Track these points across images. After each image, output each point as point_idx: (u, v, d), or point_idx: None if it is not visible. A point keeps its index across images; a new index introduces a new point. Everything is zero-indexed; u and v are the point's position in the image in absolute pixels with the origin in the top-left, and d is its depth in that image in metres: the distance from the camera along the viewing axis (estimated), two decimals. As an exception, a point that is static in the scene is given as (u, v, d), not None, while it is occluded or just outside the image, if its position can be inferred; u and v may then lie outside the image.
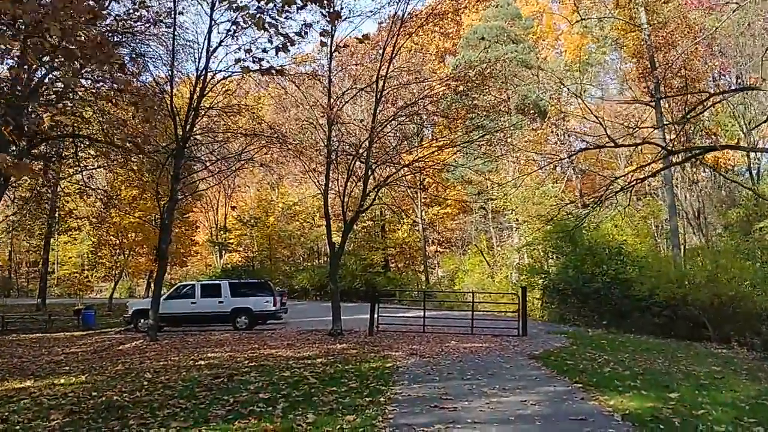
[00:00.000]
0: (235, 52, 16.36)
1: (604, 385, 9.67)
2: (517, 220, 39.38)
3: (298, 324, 23.99)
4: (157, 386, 9.99)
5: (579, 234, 26.37)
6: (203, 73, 18.52)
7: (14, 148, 20.95)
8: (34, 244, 59.12)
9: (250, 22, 10.04)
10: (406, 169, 20.50)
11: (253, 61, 10.14)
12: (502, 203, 38.15)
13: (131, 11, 17.08)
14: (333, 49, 17.77)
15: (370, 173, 18.55)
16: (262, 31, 8.73)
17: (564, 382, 10.26)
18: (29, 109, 18.56)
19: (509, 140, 24.77)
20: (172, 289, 25.21)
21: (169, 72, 18.89)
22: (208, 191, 64.23)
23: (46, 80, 23.85)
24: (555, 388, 9.60)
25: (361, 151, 18.60)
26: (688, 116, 15.57)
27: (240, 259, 60.77)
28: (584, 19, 23.63)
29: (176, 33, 18.93)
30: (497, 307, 27.69)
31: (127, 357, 15.05)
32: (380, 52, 19.49)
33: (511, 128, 27.94)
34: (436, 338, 18.08)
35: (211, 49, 18.51)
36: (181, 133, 18.36)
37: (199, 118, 19.52)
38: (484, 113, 19.58)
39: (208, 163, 22.46)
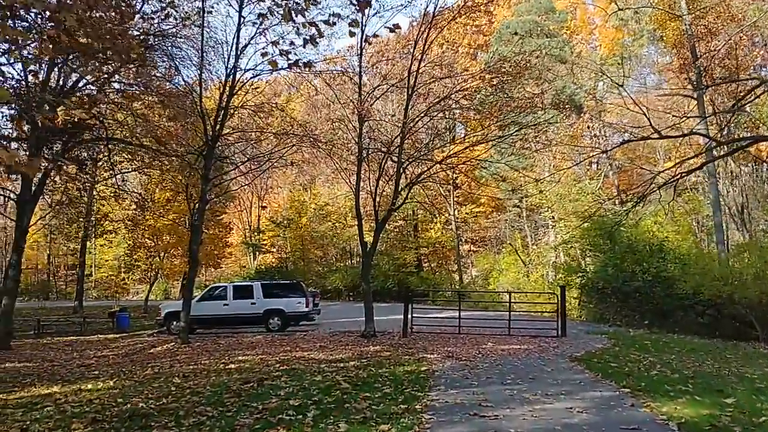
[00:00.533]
0: (263, 50, 16.14)
1: (654, 390, 9.09)
2: (553, 217, 38.64)
3: (331, 325, 23.66)
4: (185, 392, 9.69)
5: (618, 231, 25.57)
6: (232, 71, 18.29)
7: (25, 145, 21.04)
8: (71, 248, 60.11)
9: (277, 13, 9.64)
10: (438, 166, 20.01)
11: (281, 54, 9.75)
12: (538, 200, 37.38)
13: (159, 11, 16.88)
14: (363, 40, 17.35)
15: (402, 171, 18.10)
16: (290, 24, 8.36)
17: (610, 386, 9.68)
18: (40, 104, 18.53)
19: (545, 136, 24.12)
20: (204, 291, 25.11)
21: (199, 72, 18.68)
22: (241, 193, 64.71)
23: (80, 84, 24.13)
24: (601, 394, 9.04)
25: (392, 148, 18.17)
26: (740, 104, 14.79)
27: (273, 260, 60.82)
28: (621, 9, 22.81)
29: (205, 33, 18.70)
30: (534, 307, 27.16)
31: (157, 360, 14.84)
32: (411, 50, 19.03)
33: (547, 124, 27.29)
34: (472, 340, 17.57)
35: (240, 47, 18.29)
36: (210, 133, 18.13)
37: (229, 117, 19.30)
38: (519, 108, 18.96)
39: (239, 163, 22.24)
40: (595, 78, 37.98)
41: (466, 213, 49.31)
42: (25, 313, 38.91)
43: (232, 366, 12.94)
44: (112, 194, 39.98)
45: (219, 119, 18.19)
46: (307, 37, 8.62)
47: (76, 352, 17.92)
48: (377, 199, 18.69)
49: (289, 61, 9.55)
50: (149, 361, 14.94)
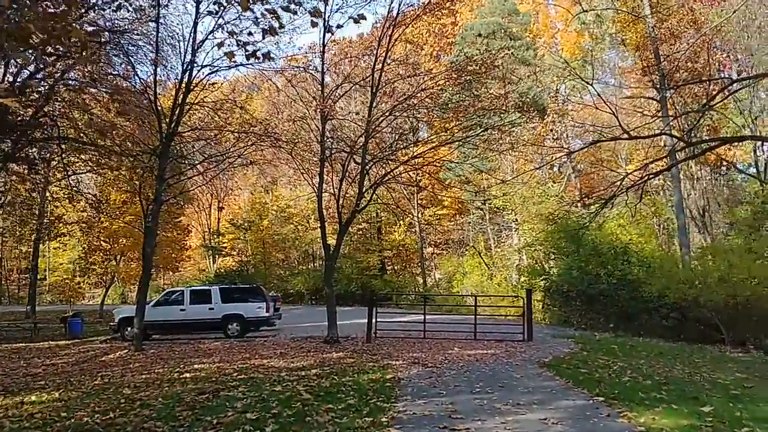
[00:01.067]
0: (220, 41, 15.38)
1: (629, 398, 8.74)
2: (517, 220, 38.54)
3: (292, 330, 23.03)
4: (135, 404, 9.02)
5: (583, 234, 25.49)
6: (189, 66, 17.56)
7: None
8: (23, 251, 58.17)
9: (235, 1, 9.09)
10: (402, 167, 19.59)
11: (238, 46, 9.19)
12: (502, 203, 37.25)
13: (110, 2, 16.12)
14: (326, 31, 16.83)
15: (365, 172, 17.58)
16: (249, 17, 7.85)
17: (583, 394, 9.32)
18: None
19: (508, 138, 23.91)
20: (160, 296, 24.22)
21: (153, 67, 17.89)
22: (200, 195, 63.52)
23: (33, 81, 23.15)
24: (575, 402, 8.66)
25: (355, 148, 17.64)
26: (709, 104, 14.69)
27: (234, 263, 59.74)
28: (586, 11, 22.69)
29: (161, 28, 17.95)
30: (498, 311, 26.84)
31: (108, 369, 14.05)
32: (374, 49, 18.52)
33: (510, 125, 27.15)
34: (437, 345, 17.14)
35: (198, 41, 17.62)
36: (166, 130, 17.38)
37: (186, 114, 18.56)
38: (483, 110, 18.63)
39: (195, 163, 21.45)
40: (558, 81, 38.02)
41: (430, 215, 49.05)
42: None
43: (188, 375, 12.26)
44: (66, 196, 38.88)
45: (174, 117, 17.44)
46: (266, 27, 8.11)
47: (23, 360, 16.97)
48: (340, 200, 18.13)
49: (247, 53, 9.02)
50: (99, 369, 14.14)
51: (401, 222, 48.10)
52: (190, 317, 21.68)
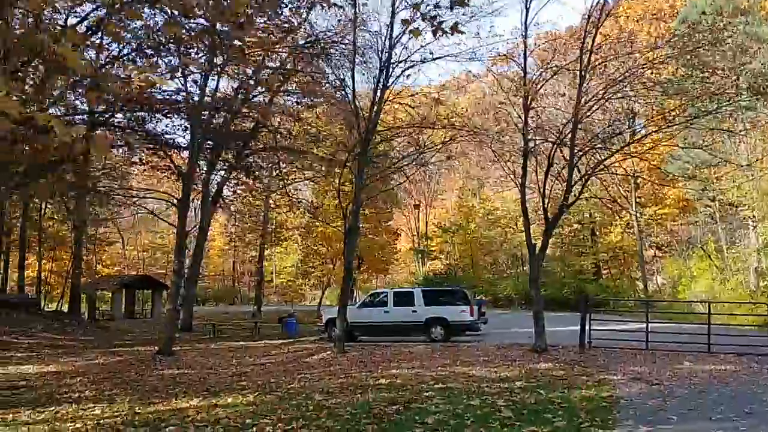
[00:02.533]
0: (405, 23, 14.75)
1: None
2: (755, 216, 33.82)
3: (499, 336, 21.84)
4: (321, 413, 8.50)
5: None
6: (386, 65, 17.18)
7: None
8: (252, 255, 63.13)
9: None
10: (617, 156, 17.48)
11: (423, 20, 8.31)
12: (736, 197, 32.83)
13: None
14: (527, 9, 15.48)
15: (575, 163, 15.89)
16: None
17: None
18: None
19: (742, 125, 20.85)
20: (365, 297, 24.33)
21: (351, 66, 17.81)
22: (409, 199, 64.61)
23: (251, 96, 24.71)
24: None
25: (562, 137, 16.02)
26: None
27: (442, 266, 59.79)
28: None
29: (357, 27, 17.81)
30: (733, 319, 23.24)
31: (308, 371, 13.94)
32: (581, 44, 16.73)
33: (744, 110, 23.72)
34: (663, 358, 14.99)
35: (394, 38, 17.20)
36: (363, 129, 17.17)
37: (386, 113, 18.26)
38: (713, 92, 15.99)
39: (395, 161, 21.11)
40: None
41: (650, 216, 44.80)
42: (209, 317, 40.97)
43: (383, 381, 11.65)
44: (286, 203, 41.43)
45: (372, 115, 17.16)
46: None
47: (236, 359, 17.64)
48: (546, 196, 16.51)
49: (433, 28, 8.13)
50: (301, 371, 14.09)
51: (618, 222, 44.63)
52: (393, 319, 21.41)
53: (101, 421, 8.53)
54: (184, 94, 19.60)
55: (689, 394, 9.72)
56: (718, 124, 21.19)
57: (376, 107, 17.06)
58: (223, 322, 35.20)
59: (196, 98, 19.40)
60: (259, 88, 29.48)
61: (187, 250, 22.45)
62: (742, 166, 26.38)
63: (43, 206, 34.38)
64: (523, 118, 16.29)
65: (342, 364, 14.93)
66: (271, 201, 42.07)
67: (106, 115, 18.94)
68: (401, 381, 11.60)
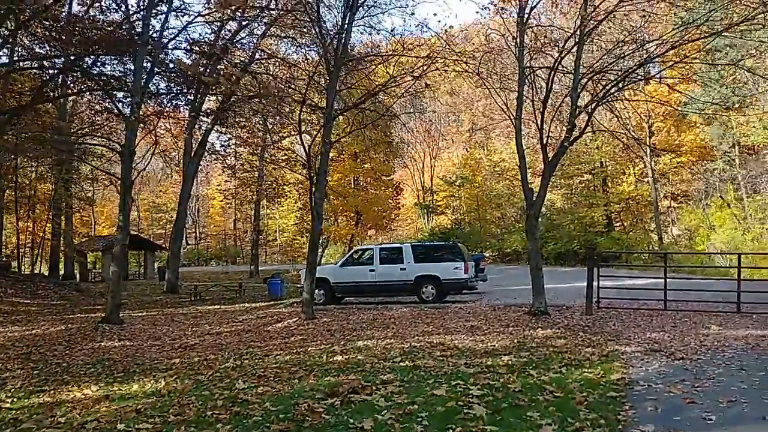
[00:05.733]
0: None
1: None
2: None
3: (499, 294, 19.66)
4: (231, 411, 6.28)
5: None
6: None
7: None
8: (253, 213, 61.11)
9: None
10: (629, 92, 14.93)
11: None
12: (762, 138, 30.08)
13: None
14: None
15: (579, 90, 13.30)
16: None
17: None
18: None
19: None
20: (347, 255, 22.03)
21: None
22: (414, 153, 62.11)
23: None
24: None
25: (562, 56, 13.41)
26: None
27: (449, 222, 57.55)
28: None
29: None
30: (756, 273, 20.72)
31: (262, 343, 11.78)
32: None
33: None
34: (685, 320, 12.69)
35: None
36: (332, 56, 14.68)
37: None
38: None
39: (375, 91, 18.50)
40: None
41: (664, 164, 41.82)
42: (201, 279, 39.11)
43: (340, 357, 9.43)
44: (282, 157, 39.30)
45: (342, 39, 14.64)
46: None
47: (194, 327, 15.53)
48: (544, 130, 13.85)
49: None
50: (255, 343, 11.95)
51: (631, 171, 41.91)
52: (379, 279, 19.18)
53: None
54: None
55: (725, 375, 7.37)
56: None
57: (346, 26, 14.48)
58: (215, 282, 33.27)
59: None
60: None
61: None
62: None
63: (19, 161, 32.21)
64: (518, 39, 13.62)
65: (304, 334, 12.73)
66: (267, 156, 39.96)
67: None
68: (362, 356, 9.39)
